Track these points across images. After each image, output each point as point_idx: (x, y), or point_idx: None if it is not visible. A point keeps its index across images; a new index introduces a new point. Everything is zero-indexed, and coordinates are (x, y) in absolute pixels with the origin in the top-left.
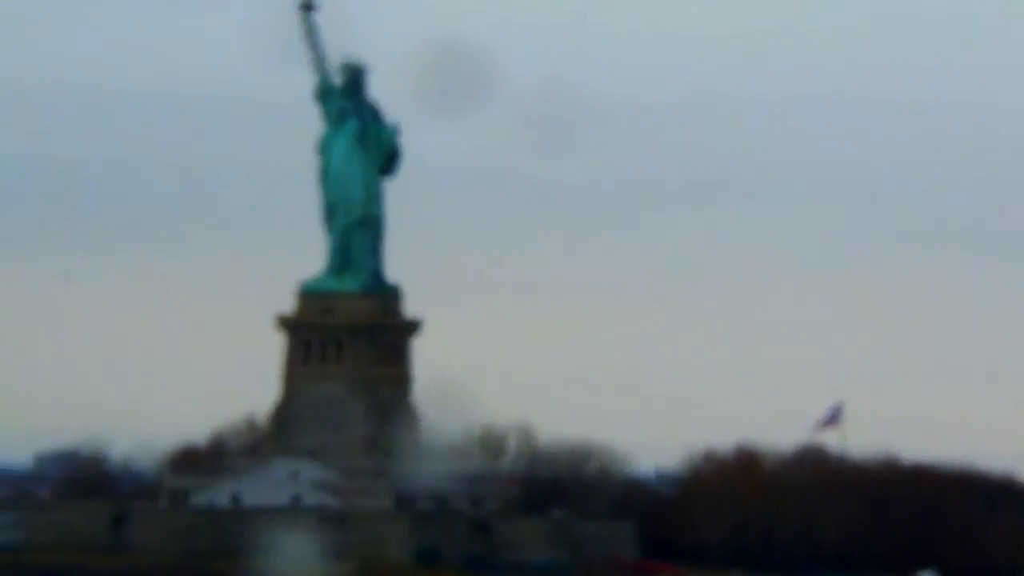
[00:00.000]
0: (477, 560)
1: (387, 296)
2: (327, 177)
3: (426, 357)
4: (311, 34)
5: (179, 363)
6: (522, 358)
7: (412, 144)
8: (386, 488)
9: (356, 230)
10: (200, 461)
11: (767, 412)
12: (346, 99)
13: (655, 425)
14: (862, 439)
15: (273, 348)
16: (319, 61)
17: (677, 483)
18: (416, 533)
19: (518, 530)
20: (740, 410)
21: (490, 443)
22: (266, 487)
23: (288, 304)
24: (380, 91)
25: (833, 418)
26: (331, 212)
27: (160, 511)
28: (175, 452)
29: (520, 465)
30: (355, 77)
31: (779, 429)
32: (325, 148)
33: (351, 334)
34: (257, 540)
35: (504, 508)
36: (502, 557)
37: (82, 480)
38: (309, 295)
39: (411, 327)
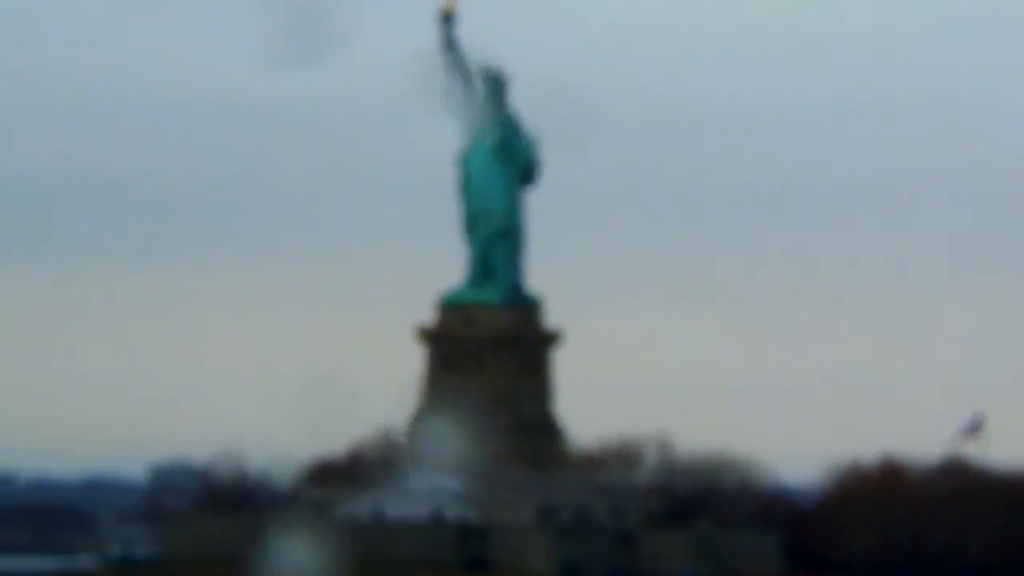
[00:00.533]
0: (620, 573)
1: (528, 307)
2: (467, 189)
3: (566, 368)
4: (451, 45)
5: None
6: (661, 367)
7: (551, 153)
8: (528, 501)
9: (496, 241)
10: (338, 475)
11: (908, 422)
12: (486, 109)
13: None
14: (1005, 449)
15: (411, 360)
16: (459, 72)
17: (820, 495)
18: (559, 546)
19: (661, 543)
20: (880, 420)
21: (627, 454)
22: (406, 500)
23: (428, 316)
24: (519, 101)
25: (974, 428)
26: (471, 224)
27: (303, 524)
28: (312, 466)
29: (658, 477)
30: (495, 87)
31: (921, 439)
32: (465, 160)
33: (492, 346)
34: (398, 552)
35: (646, 520)
36: (645, 570)
37: (219, 493)
38: (449, 307)
39: (551, 338)
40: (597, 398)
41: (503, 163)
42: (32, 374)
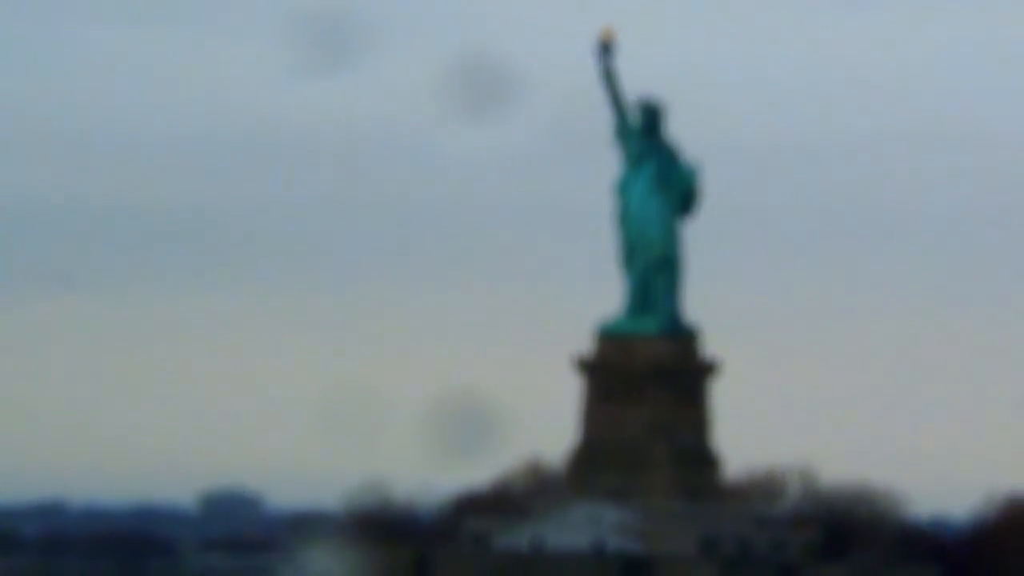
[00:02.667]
0: None
1: (686, 338)
2: (625, 218)
3: (723, 399)
4: (610, 75)
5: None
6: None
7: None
8: (689, 532)
9: (655, 271)
10: (485, 505)
11: None
12: (644, 140)
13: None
14: None
15: (562, 390)
16: (617, 102)
17: (976, 526)
18: None
19: (825, 574)
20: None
21: (772, 485)
22: (567, 530)
23: (585, 346)
24: (680, 129)
25: None
26: (629, 253)
27: (465, 555)
28: (460, 496)
29: (802, 507)
30: (653, 117)
31: None
32: (623, 189)
33: (651, 376)
34: None
35: (804, 552)
36: None
37: (364, 523)
38: (608, 337)
39: (710, 369)
40: (743, 428)
41: (661, 192)
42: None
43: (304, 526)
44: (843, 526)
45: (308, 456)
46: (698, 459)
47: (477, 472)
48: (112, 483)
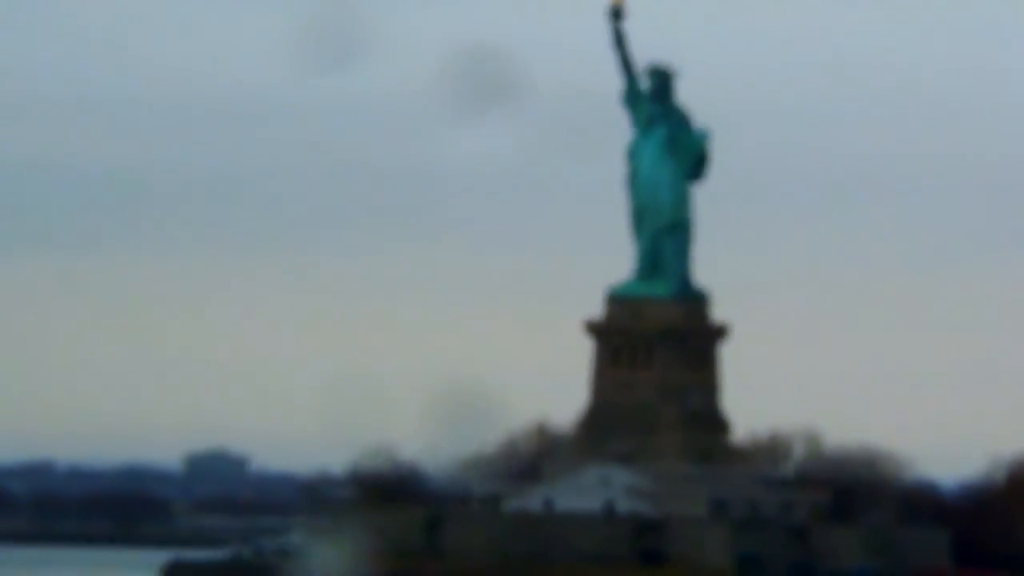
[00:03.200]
0: (797, 567)
1: (696, 301)
2: (636, 183)
3: (732, 363)
4: (620, 41)
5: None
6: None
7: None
8: (699, 495)
9: (665, 235)
10: (492, 468)
11: None
12: (655, 104)
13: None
14: None
15: (575, 353)
16: (628, 67)
17: (984, 489)
18: (735, 540)
19: (833, 537)
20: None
21: (777, 447)
22: (578, 493)
23: (597, 309)
24: (689, 95)
25: None
26: (640, 218)
27: (476, 516)
28: (467, 459)
29: (808, 469)
30: (663, 82)
31: None
32: (634, 154)
33: (661, 339)
34: (571, 546)
35: (813, 514)
36: (820, 564)
37: (372, 486)
38: (618, 300)
39: (719, 332)
40: (749, 392)
41: (672, 157)
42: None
43: (313, 489)
44: (849, 488)
45: (298, 420)
46: (708, 422)
47: (484, 435)
48: (98, 443)
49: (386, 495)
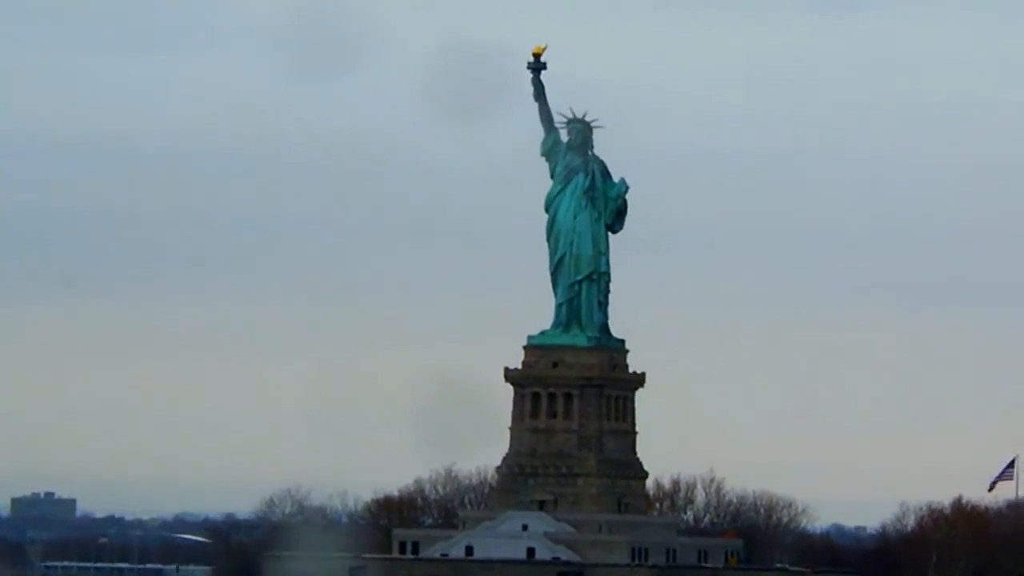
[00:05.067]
0: None
1: (614, 350)
2: (555, 233)
3: (648, 411)
4: (540, 92)
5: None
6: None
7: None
8: (621, 541)
9: (584, 285)
10: (397, 511)
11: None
12: (574, 155)
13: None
14: None
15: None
16: (547, 118)
17: (894, 535)
18: None
19: None
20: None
21: (679, 494)
22: (499, 540)
23: (516, 358)
24: (607, 147)
25: (1008, 471)
26: (559, 267)
27: (398, 563)
28: (372, 502)
29: (712, 516)
30: (583, 133)
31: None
32: (553, 204)
33: (580, 388)
34: None
35: (727, 560)
36: None
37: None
38: (537, 349)
39: (637, 381)
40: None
41: (591, 208)
42: None
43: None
44: (756, 535)
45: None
46: (625, 470)
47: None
48: None
49: (297, 540)
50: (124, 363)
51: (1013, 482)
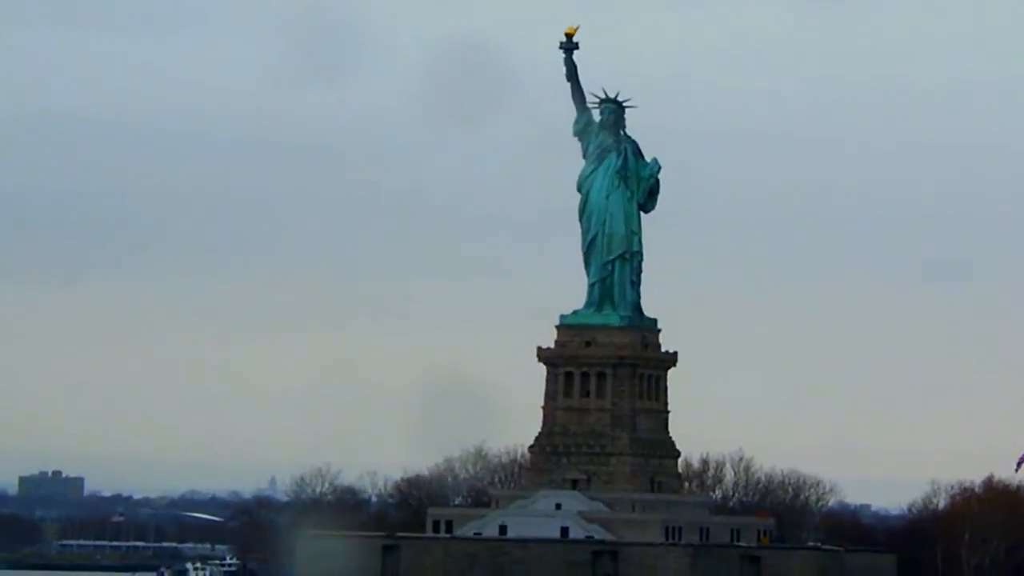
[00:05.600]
0: None
1: (646, 330)
2: (588, 213)
3: (679, 390)
4: (572, 72)
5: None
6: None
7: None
8: (654, 520)
9: (617, 265)
10: (427, 490)
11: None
12: (607, 135)
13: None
14: None
15: (533, 381)
16: (580, 98)
17: (927, 515)
18: (692, 566)
19: (788, 562)
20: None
21: (710, 473)
22: (532, 519)
23: (549, 338)
24: (640, 126)
25: None
26: (592, 247)
27: (432, 542)
28: (402, 481)
29: (742, 495)
30: (615, 113)
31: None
32: (586, 184)
33: (613, 367)
34: (528, 571)
35: (760, 540)
36: None
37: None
38: (570, 328)
39: (669, 360)
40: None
41: (623, 188)
42: None
43: (251, 513)
44: (784, 513)
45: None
46: (658, 449)
47: (421, 458)
48: None
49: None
50: (129, 343)
51: None
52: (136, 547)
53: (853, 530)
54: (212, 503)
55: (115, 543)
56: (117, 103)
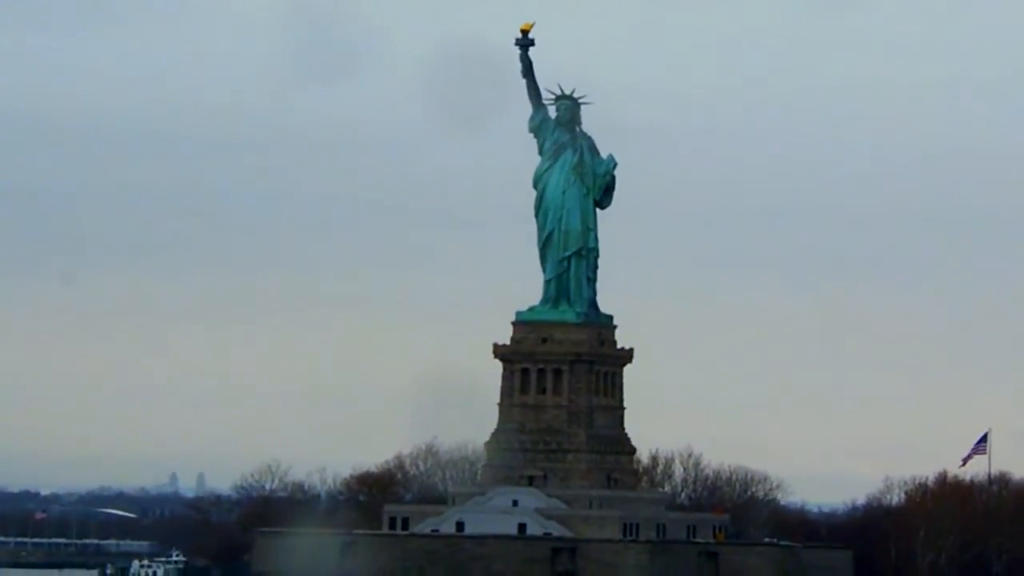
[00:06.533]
0: None
1: (603, 326)
2: (544, 209)
3: (634, 387)
4: (528, 68)
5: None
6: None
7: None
8: (612, 517)
9: (573, 261)
10: (377, 487)
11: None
12: (562, 132)
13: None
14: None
15: (488, 378)
16: (535, 95)
17: (882, 510)
18: (651, 562)
19: (746, 559)
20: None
21: (659, 469)
22: (490, 516)
23: (505, 334)
24: (596, 123)
25: (980, 446)
26: (548, 243)
27: (390, 539)
28: (351, 477)
29: (684, 492)
30: (571, 110)
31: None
32: (542, 180)
33: (569, 364)
34: (487, 568)
35: (716, 536)
36: None
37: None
38: (526, 325)
39: (625, 357)
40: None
41: (579, 184)
42: None
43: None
44: (737, 510)
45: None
46: (614, 445)
47: (371, 454)
48: None
49: (274, 516)
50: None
51: (986, 456)
52: (58, 544)
53: (800, 526)
54: (121, 499)
55: (37, 540)
56: (112, 102)
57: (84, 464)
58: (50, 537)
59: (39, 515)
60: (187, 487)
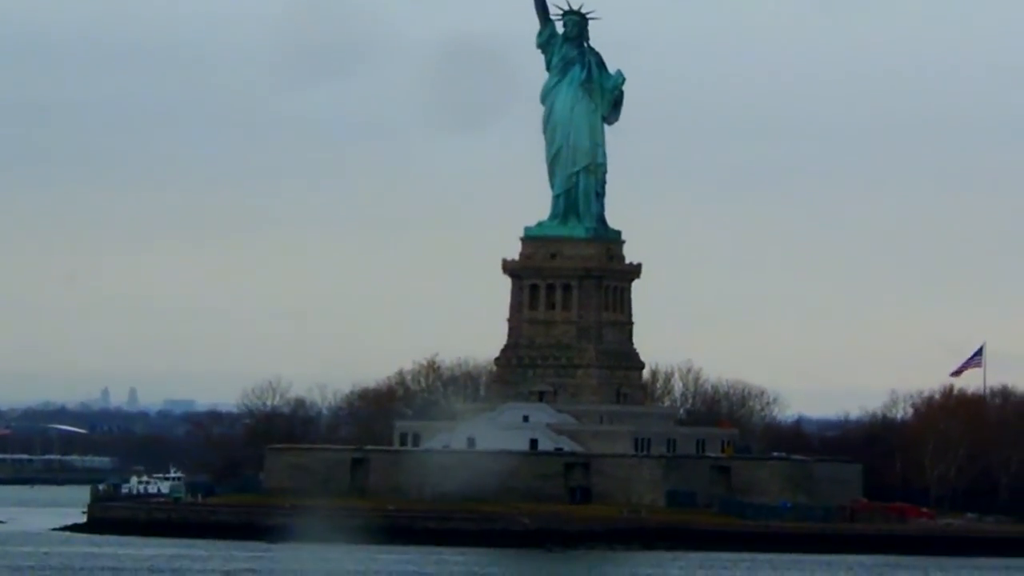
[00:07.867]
0: (728, 504)
1: (611, 241)
2: (552, 125)
3: (643, 302)
4: None
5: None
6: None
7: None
8: (623, 432)
9: (581, 176)
10: (376, 403)
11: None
12: (570, 47)
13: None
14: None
15: (497, 293)
16: (543, 9)
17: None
18: (664, 477)
19: (757, 473)
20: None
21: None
22: (501, 431)
23: (514, 250)
24: (604, 38)
25: (975, 359)
26: (556, 159)
27: (401, 455)
28: (352, 393)
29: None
30: (579, 25)
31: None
32: (550, 97)
33: (579, 279)
34: (500, 484)
35: (724, 450)
36: (745, 499)
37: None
38: (535, 241)
39: (633, 272)
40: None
41: (587, 100)
42: None
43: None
44: (737, 424)
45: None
46: (623, 361)
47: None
48: None
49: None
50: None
51: (980, 369)
52: (22, 460)
53: (794, 440)
54: (63, 414)
55: (1, 456)
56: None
57: (22, 380)
58: (14, 453)
59: (3, 431)
60: (119, 402)
